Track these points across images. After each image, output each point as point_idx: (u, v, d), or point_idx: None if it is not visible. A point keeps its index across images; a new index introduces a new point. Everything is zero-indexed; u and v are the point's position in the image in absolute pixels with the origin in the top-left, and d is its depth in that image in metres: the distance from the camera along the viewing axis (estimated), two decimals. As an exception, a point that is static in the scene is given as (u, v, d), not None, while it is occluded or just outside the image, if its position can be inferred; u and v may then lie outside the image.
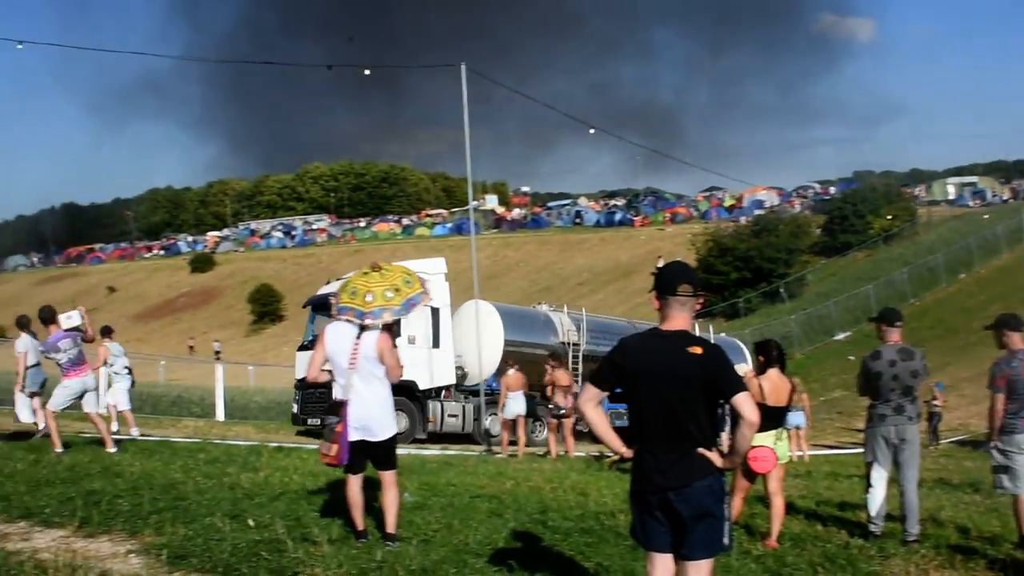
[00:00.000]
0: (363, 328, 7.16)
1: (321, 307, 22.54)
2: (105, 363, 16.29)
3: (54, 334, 12.31)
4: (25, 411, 13.28)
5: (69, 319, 12.60)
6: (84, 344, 12.76)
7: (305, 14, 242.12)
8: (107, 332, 16.59)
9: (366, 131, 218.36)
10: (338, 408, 7.09)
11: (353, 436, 7.06)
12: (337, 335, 7.25)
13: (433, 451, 17.67)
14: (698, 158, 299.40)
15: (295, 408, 22.52)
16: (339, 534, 7.43)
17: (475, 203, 30.93)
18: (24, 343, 13.43)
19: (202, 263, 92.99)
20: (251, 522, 7.64)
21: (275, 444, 15.72)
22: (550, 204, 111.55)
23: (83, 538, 7.22)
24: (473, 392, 23.76)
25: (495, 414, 22.10)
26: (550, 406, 18.84)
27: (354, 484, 7.28)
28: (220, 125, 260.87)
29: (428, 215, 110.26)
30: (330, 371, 7.34)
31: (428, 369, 22.29)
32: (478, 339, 23.29)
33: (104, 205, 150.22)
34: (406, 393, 21.08)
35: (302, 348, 22.80)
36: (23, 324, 13.73)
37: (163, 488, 9.27)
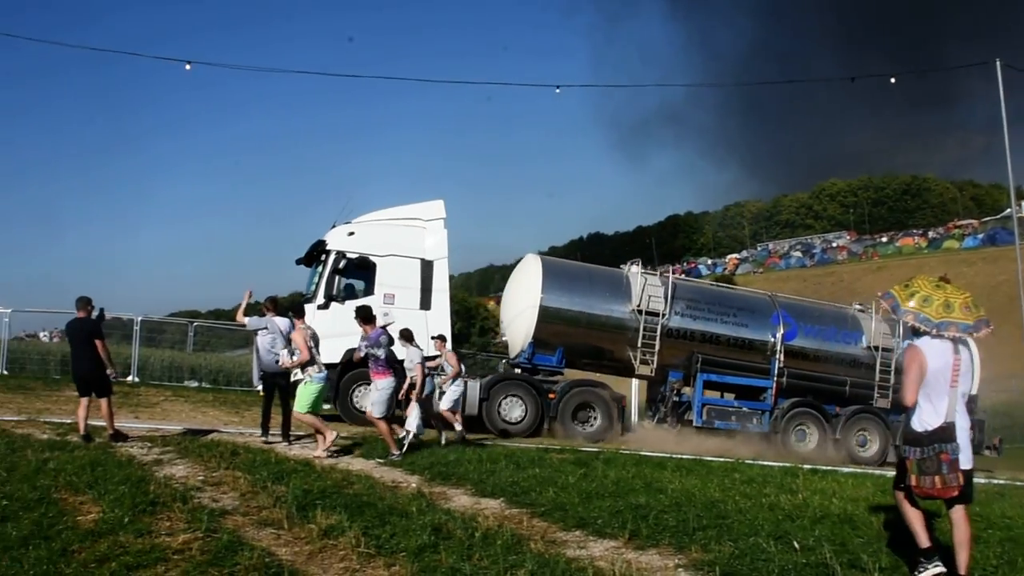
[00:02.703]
0: (955, 342, 6.60)
1: (308, 259, 19.78)
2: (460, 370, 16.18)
3: (375, 331, 12.74)
4: (415, 420, 13.74)
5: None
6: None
7: (820, 30, 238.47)
8: (443, 339, 16.52)
9: (885, 143, 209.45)
10: (951, 433, 6.40)
11: (963, 464, 6.40)
12: (938, 353, 6.56)
13: (978, 480, 16.24)
14: None
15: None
16: (888, 563, 6.99)
17: (1010, 210, 26.90)
18: (417, 354, 14.24)
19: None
20: (796, 544, 7.46)
21: (809, 466, 15.39)
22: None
23: (633, 549, 7.44)
24: (520, 366, 19.99)
25: (516, 395, 18.87)
26: None
27: (921, 516, 6.61)
28: (735, 149, 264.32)
29: (956, 226, 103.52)
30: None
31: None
32: (516, 300, 20.19)
33: (627, 233, 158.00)
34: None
35: (306, 301, 18.99)
36: (409, 337, 14.46)
37: (704, 505, 9.34)
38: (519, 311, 20.14)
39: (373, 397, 12.69)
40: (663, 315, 20.05)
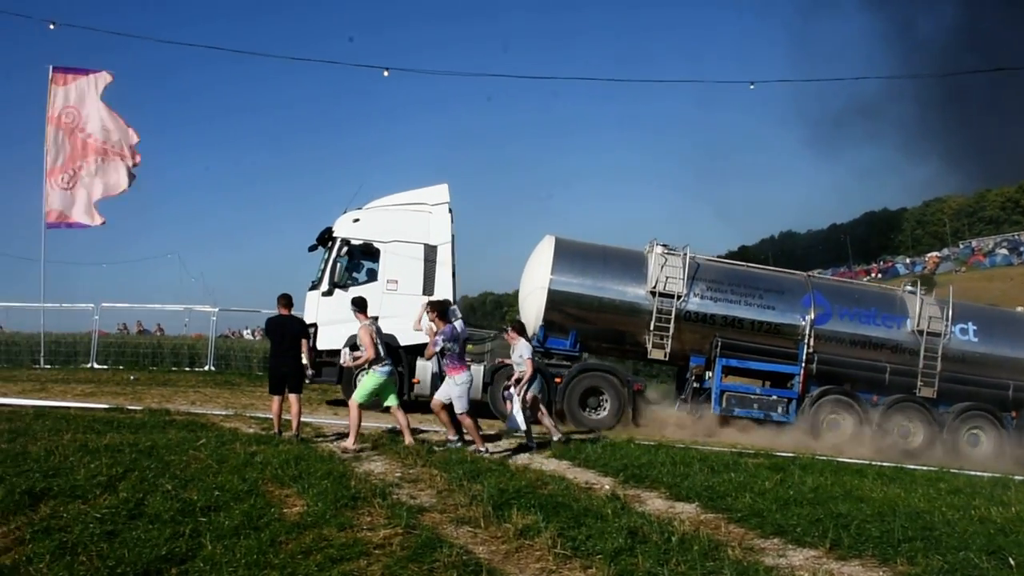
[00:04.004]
0: None
1: (324, 242, 19.34)
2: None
3: (449, 326, 12.55)
4: (520, 417, 13.31)
5: (453, 312, 12.92)
6: None
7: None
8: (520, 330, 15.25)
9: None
10: None
11: None
12: None
13: None
14: None
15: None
16: None
17: None
18: (527, 348, 13.79)
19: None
20: (1011, 561, 7.07)
21: (1021, 477, 14.56)
22: None
23: (835, 560, 7.23)
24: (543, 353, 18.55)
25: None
26: None
27: None
28: (935, 141, 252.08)
29: None
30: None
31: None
32: (527, 283, 19.28)
33: (820, 231, 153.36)
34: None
35: (312, 288, 18.95)
36: (520, 329, 14.14)
37: (909, 516, 8.97)
38: (528, 293, 19.61)
39: (453, 392, 12.52)
40: (679, 297, 19.03)
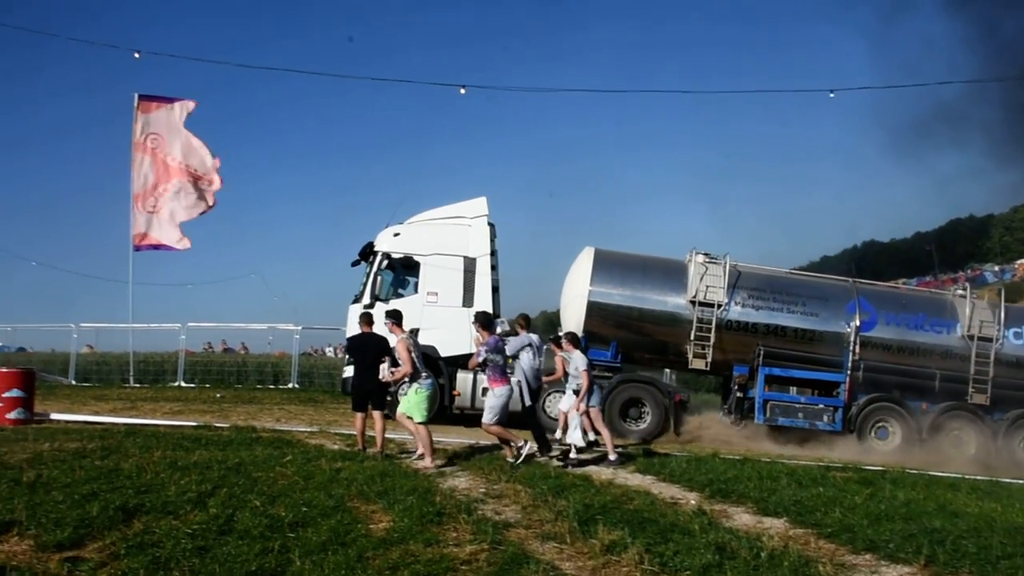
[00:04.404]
0: None
1: (365, 256, 19.63)
2: (565, 374, 14.36)
3: (493, 337, 12.49)
4: (579, 432, 13.15)
5: (501, 324, 12.66)
6: None
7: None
8: (558, 341, 14.87)
9: None
10: None
11: None
12: None
13: None
14: None
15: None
16: None
17: None
18: (582, 360, 13.45)
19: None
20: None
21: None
22: None
23: (931, 577, 7.05)
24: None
25: (560, 392, 15.84)
26: None
27: None
28: (1022, 145, 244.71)
29: None
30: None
31: (455, 332, 18.45)
32: (568, 294, 19.27)
33: (904, 240, 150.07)
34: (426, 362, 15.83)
35: (355, 302, 19.30)
36: (575, 341, 13.92)
37: (1007, 532, 8.73)
38: (568, 303, 19.72)
39: (490, 403, 12.45)
40: (720, 306, 18.96)
